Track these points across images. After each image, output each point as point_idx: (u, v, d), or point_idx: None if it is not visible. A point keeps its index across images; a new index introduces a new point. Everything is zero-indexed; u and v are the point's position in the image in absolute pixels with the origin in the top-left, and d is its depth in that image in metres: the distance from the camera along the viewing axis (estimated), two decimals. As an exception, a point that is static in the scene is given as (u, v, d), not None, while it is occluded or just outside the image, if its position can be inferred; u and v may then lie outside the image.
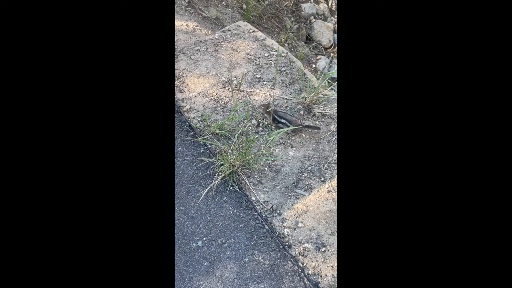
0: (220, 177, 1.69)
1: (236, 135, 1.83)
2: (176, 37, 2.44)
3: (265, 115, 1.95)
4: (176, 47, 2.35)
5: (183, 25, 2.61)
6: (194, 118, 1.97)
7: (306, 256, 1.54)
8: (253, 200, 1.69)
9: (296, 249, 1.56)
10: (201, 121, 1.95)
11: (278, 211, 1.66)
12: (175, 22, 2.59)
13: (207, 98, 2.07)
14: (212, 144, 1.82)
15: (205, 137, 1.85)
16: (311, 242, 1.58)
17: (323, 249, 1.56)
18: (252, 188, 1.72)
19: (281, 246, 1.56)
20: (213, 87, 2.13)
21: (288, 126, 1.86)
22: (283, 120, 1.89)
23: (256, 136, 1.91)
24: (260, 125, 1.98)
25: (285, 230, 1.61)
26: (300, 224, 1.63)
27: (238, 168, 1.72)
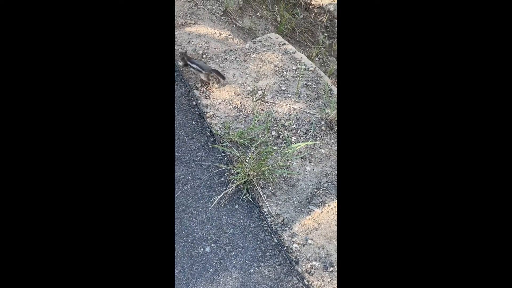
0: (234, 185, 1.70)
1: (255, 145, 1.84)
2: (207, 45, 2.50)
3: (180, 60, 2.21)
4: (206, 54, 2.42)
5: (216, 33, 2.68)
6: (216, 124, 2.00)
7: (312, 274, 1.51)
8: (264, 212, 1.68)
9: (303, 266, 1.53)
10: (222, 128, 1.98)
11: (289, 225, 1.65)
12: (209, 30, 2.66)
13: (230, 106, 2.10)
14: (230, 152, 1.84)
15: (224, 144, 1.87)
16: (319, 261, 1.55)
17: (331, 269, 1.53)
18: (265, 200, 1.71)
19: (288, 261, 1.54)
20: (238, 95, 2.16)
21: (200, 71, 2.11)
22: (194, 65, 2.13)
23: (275, 147, 1.91)
24: (280, 137, 1.98)
25: (294, 245, 1.59)
26: (309, 241, 1.60)
27: (253, 178, 1.73)
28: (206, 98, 2.14)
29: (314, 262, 1.54)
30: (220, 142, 1.90)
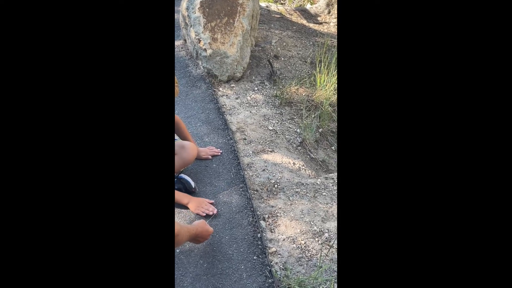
0: None
1: (314, 300, 1.72)
2: (281, 175, 2.61)
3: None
4: (278, 184, 2.50)
5: (290, 163, 2.80)
6: (276, 264, 1.94)
7: None
8: None
9: None
10: (283, 269, 1.91)
11: None
12: (284, 159, 2.80)
13: (294, 245, 2.06)
14: (287, 302, 1.73)
15: (282, 292, 1.78)
16: None
17: None
18: None
19: None
20: (303, 234, 2.12)
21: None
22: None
23: (336, 305, 1.75)
24: (343, 292, 1.83)
25: None
26: None
27: None
28: (271, 232, 2.13)
29: None
30: (278, 286, 1.82)
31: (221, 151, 2.71)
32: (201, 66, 3.52)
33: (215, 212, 2.20)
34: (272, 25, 4.60)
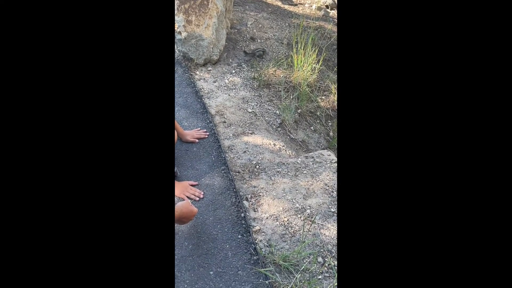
0: (273, 317, 1.60)
1: (299, 273, 1.77)
2: (262, 156, 2.63)
3: None
4: (260, 165, 2.52)
5: (271, 144, 2.82)
6: (261, 241, 1.98)
7: None
8: None
9: None
10: (267, 246, 1.95)
11: None
12: (265, 140, 2.82)
13: (277, 223, 2.10)
14: (272, 277, 1.77)
15: (267, 269, 1.81)
16: None
17: None
18: None
19: None
20: (286, 212, 2.16)
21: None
22: None
23: (320, 277, 1.81)
24: (326, 264, 1.89)
25: None
26: None
27: (294, 310, 1.62)
28: (254, 211, 2.16)
29: None
30: (263, 262, 1.86)
31: (208, 133, 2.70)
32: (176, 50, 3.45)
33: (201, 196, 2.20)
34: (247, 7, 4.54)
